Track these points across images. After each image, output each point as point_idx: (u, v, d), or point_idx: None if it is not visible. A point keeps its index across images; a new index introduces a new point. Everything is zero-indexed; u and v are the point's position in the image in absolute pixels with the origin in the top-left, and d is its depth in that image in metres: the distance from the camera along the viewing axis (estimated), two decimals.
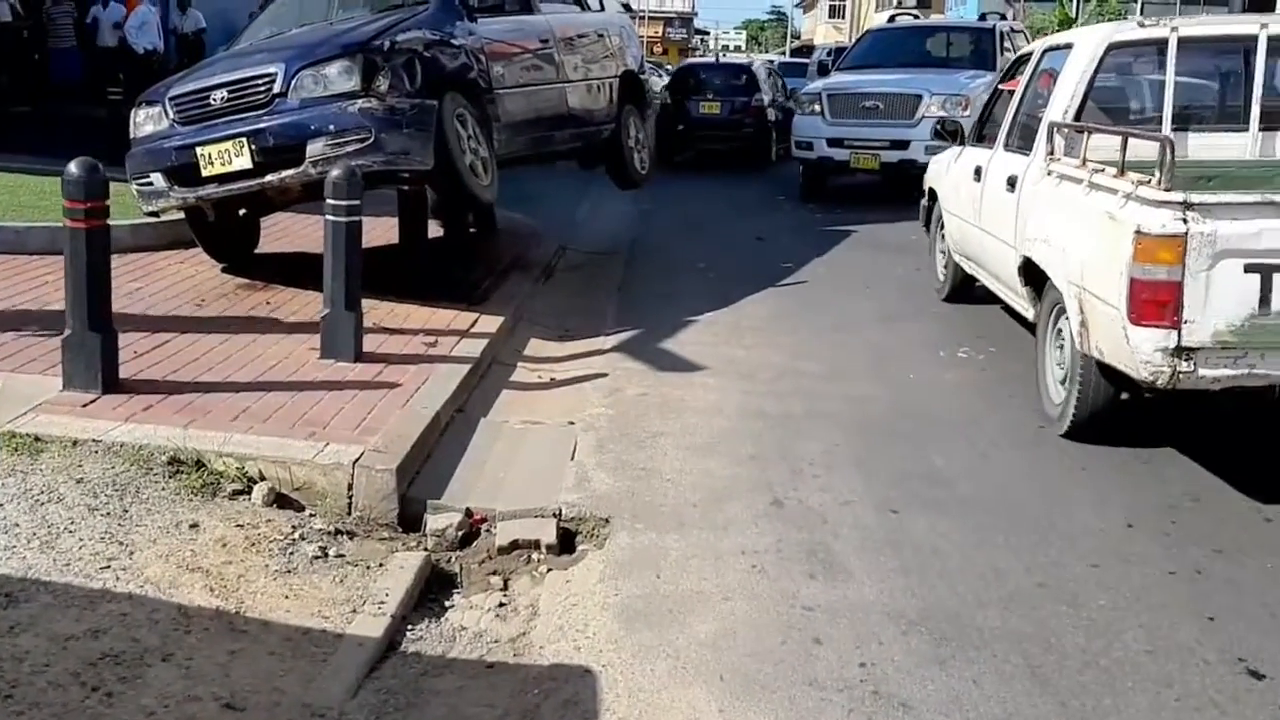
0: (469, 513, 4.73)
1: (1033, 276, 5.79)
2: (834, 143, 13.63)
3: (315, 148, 6.76)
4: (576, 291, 9.18)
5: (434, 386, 5.77)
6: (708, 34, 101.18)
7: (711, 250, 11.00)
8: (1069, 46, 6.20)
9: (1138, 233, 4.36)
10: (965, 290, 8.05)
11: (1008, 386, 6.37)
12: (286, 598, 3.92)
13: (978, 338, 7.47)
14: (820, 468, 5.16)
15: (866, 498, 4.83)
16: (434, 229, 9.66)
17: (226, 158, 6.93)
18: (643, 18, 69.60)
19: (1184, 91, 5.97)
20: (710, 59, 25.22)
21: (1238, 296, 4.26)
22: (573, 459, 5.26)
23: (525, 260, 9.66)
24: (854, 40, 22.98)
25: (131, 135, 7.56)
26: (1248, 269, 4.24)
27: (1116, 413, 5.17)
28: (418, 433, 5.12)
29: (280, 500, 4.63)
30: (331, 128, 6.78)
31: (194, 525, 4.26)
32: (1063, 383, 5.40)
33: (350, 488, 4.68)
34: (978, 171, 7.02)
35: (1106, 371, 4.91)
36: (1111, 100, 6.48)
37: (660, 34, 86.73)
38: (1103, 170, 4.96)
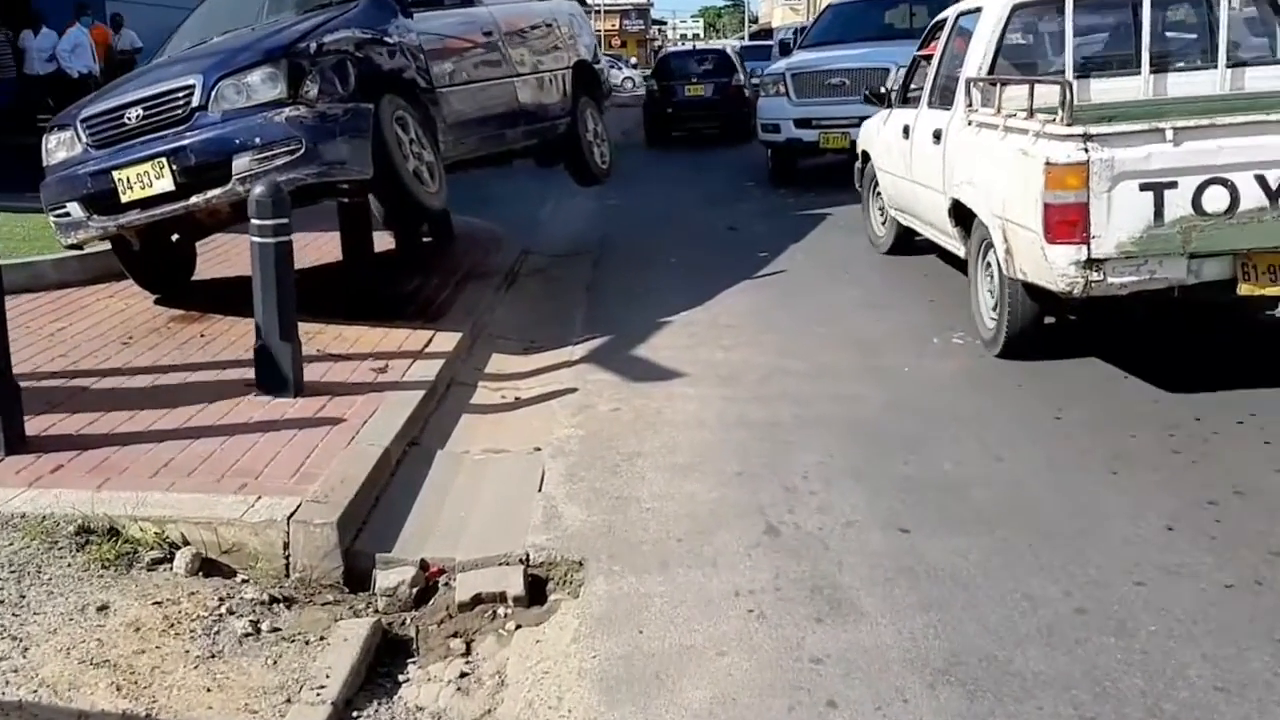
0: (424, 565, 4.16)
1: (961, 217, 6.51)
2: (801, 123, 13.11)
3: (241, 163, 6.18)
4: (542, 298, 8.61)
5: (383, 418, 5.20)
6: (665, 24, 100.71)
7: (683, 243, 10.46)
8: (978, 10, 6.88)
9: (1047, 163, 5.00)
10: (904, 243, 8.69)
11: (1012, 374, 5.85)
12: (209, 690, 3.35)
13: (970, 320, 6.95)
14: (816, 483, 4.63)
15: (871, 516, 4.29)
16: (386, 241, 9.09)
17: (146, 180, 6.34)
18: (599, 11, 69.01)
19: (1083, 43, 6.76)
20: (688, 47, 26.30)
21: (1135, 212, 4.90)
22: (540, 491, 4.71)
23: (485, 268, 9.09)
24: (814, 18, 22.42)
25: (45, 163, 6.96)
26: (1142, 187, 4.88)
27: (1042, 329, 5.91)
28: (364, 475, 4.56)
29: (207, 567, 4.06)
30: (258, 140, 6.19)
31: (103, 607, 3.69)
32: (994, 309, 6.07)
33: (286, 547, 4.11)
34: (906, 130, 7.68)
35: (1031, 292, 5.60)
36: (1020, 56, 7.16)
37: (618, 27, 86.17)
38: (1014, 115, 5.64)
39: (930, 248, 7.99)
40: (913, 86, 8.06)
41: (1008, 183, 5.54)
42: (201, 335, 6.69)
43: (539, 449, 5.20)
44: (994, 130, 5.85)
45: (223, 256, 8.82)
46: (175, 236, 7.66)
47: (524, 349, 7.13)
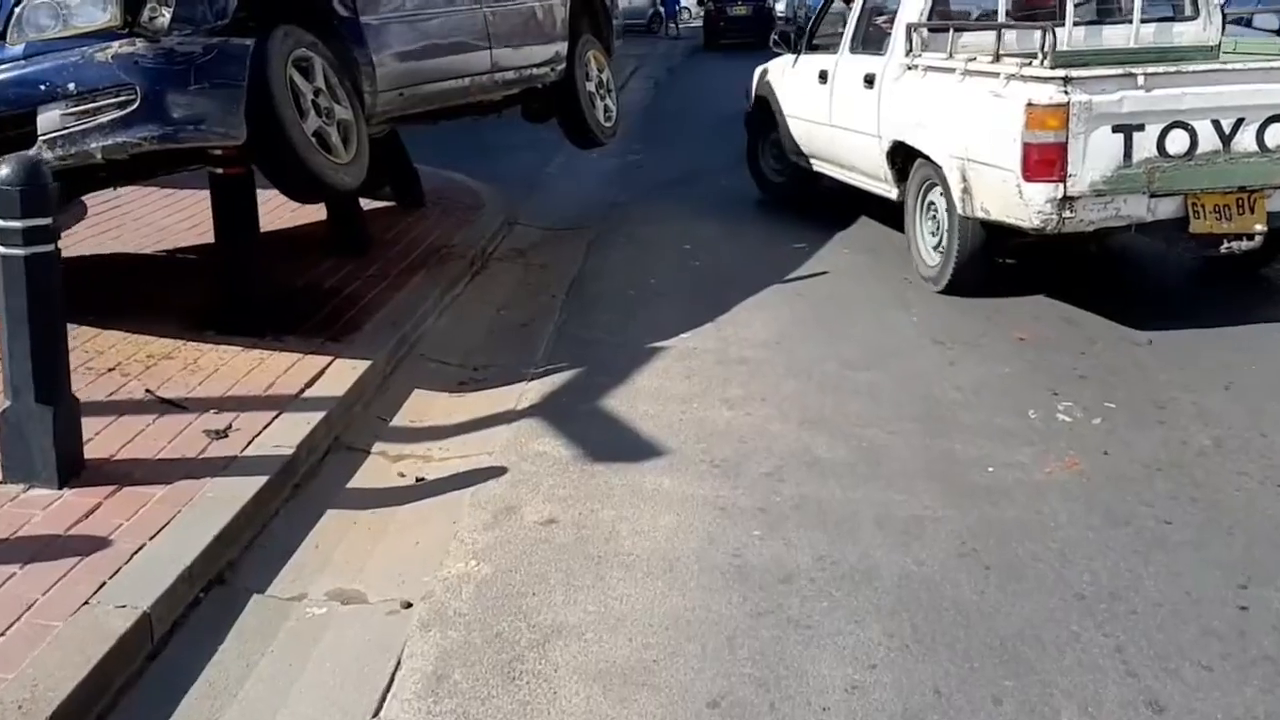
0: None
1: (900, 160, 6.59)
2: None
3: (49, 118, 4.35)
4: (508, 298, 6.68)
5: (172, 542, 3.35)
6: None
7: (706, 220, 8.50)
8: None
9: (1029, 104, 5.18)
10: (800, 187, 8.66)
11: (1168, 482, 3.90)
12: None
13: (1081, 378, 4.98)
14: None
15: None
16: (310, 213, 7.16)
17: None
18: None
19: None
20: None
21: (1108, 153, 5.18)
22: (378, 717, 2.83)
23: (449, 248, 7.18)
24: None
25: None
26: (1114, 129, 5.16)
27: (987, 267, 6.11)
28: (78, 677, 2.71)
29: None
30: (72, 86, 4.32)
31: None
32: (936, 248, 6.29)
33: None
34: (823, 75, 7.63)
35: (986, 230, 5.85)
36: (953, 2, 7.24)
37: None
38: (975, 59, 5.83)
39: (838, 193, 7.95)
40: (822, 32, 8.15)
41: (972, 124, 5.71)
42: None
43: (409, 604, 3.32)
44: (949, 74, 6.01)
45: (122, 218, 6.98)
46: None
47: (460, 383, 5.24)
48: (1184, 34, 6.89)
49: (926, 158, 6.19)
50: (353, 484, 4.15)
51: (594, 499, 3.96)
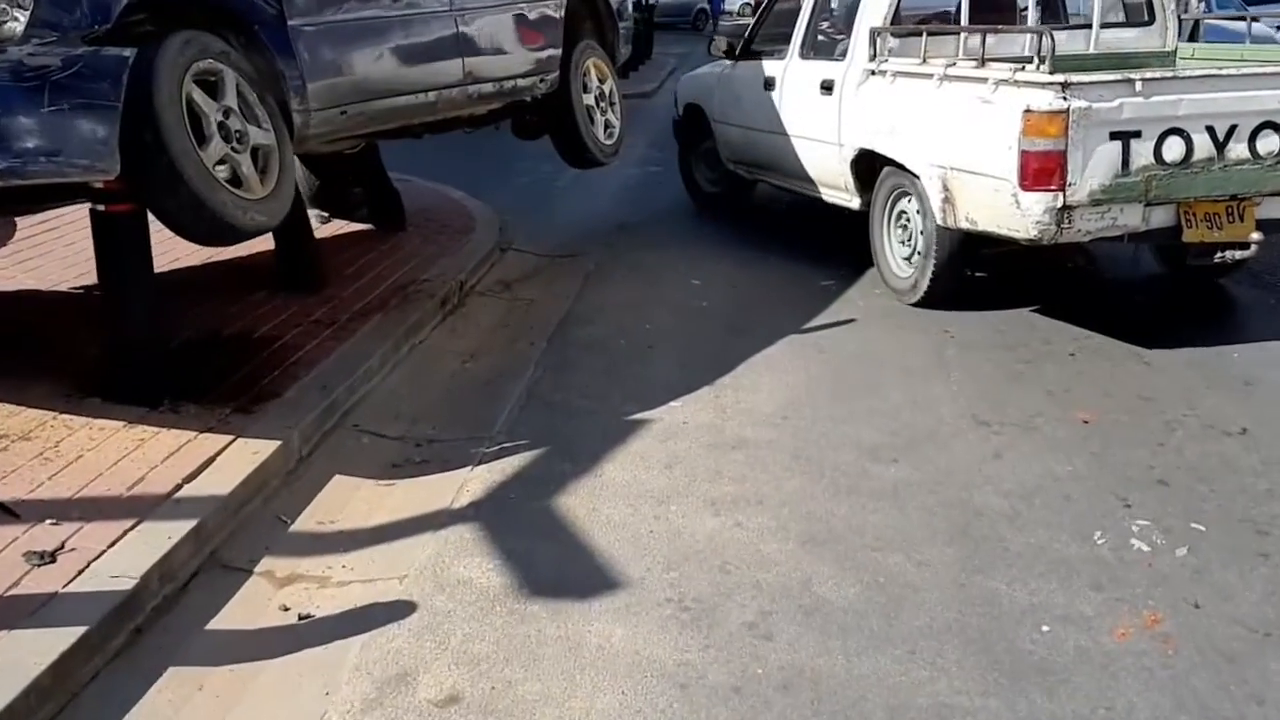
0: None
1: (865, 169, 6.34)
2: None
3: None
4: (479, 345, 5.75)
5: None
6: None
7: (723, 248, 7.57)
8: None
9: (1027, 110, 4.97)
10: (736, 197, 8.58)
11: None
12: None
13: (1160, 483, 3.98)
14: None
15: None
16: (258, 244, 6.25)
17: None
18: None
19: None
20: None
21: (1106, 160, 4.99)
22: None
23: (419, 283, 6.25)
24: None
25: None
26: (1112, 136, 4.98)
27: (962, 279, 5.99)
28: None
29: None
30: None
31: None
32: (908, 259, 6.10)
33: None
34: (769, 82, 7.33)
35: (966, 241, 5.69)
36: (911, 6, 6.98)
37: None
38: (954, 64, 5.62)
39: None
40: (763, 36, 7.89)
41: (956, 131, 5.48)
42: None
43: None
44: (925, 79, 5.74)
45: (47, 248, 6.13)
46: None
47: (395, 465, 4.31)
48: (1140, 40, 6.83)
49: (899, 166, 5.94)
50: (216, 623, 3.23)
51: (517, 661, 3.01)
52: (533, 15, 6.20)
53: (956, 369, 5.22)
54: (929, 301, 5.92)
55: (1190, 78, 5.22)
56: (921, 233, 5.87)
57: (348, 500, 4.00)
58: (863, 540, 3.64)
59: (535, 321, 6.14)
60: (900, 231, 6.13)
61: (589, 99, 6.79)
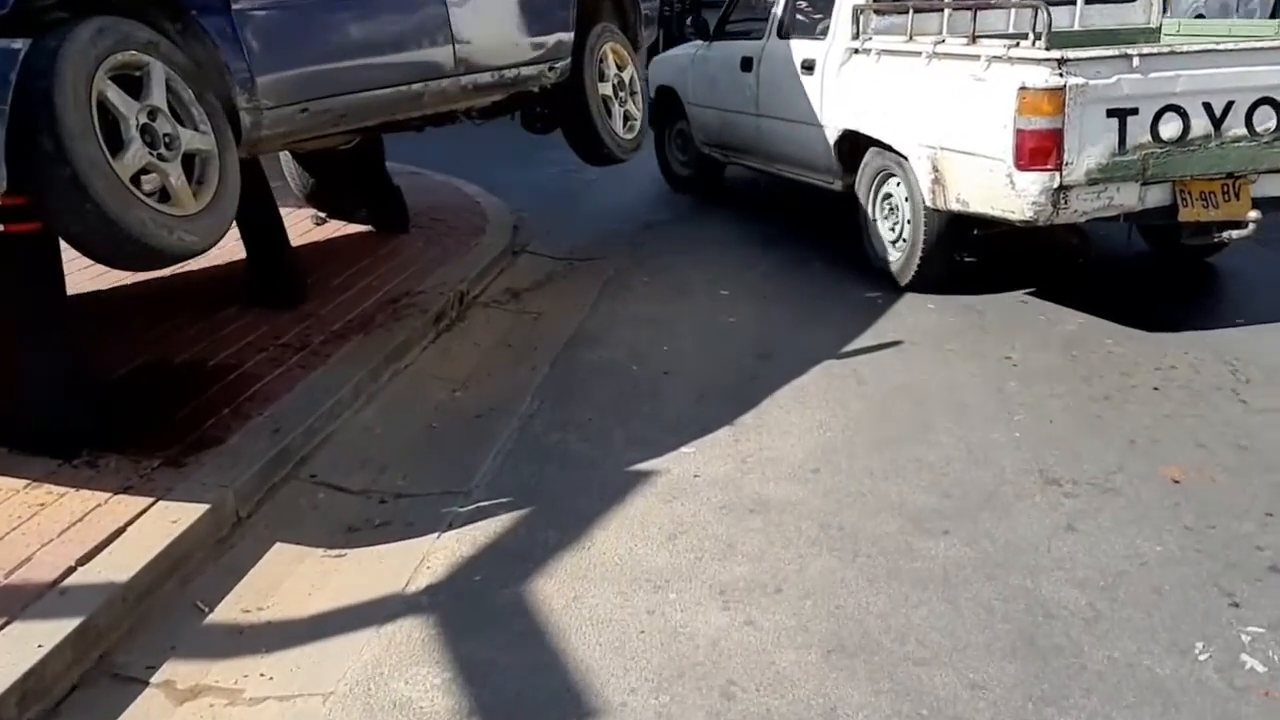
0: None
1: (849, 150, 6.19)
2: None
3: None
4: (472, 370, 5.08)
5: None
6: None
7: (759, 251, 6.88)
8: None
9: (1022, 88, 4.81)
10: (708, 179, 8.38)
11: None
12: None
13: (1273, 570, 3.23)
14: None
15: None
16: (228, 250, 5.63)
17: None
18: None
19: None
20: None
21: (1103, 138, 4.85)
22: None
23: (412, 295, 5.60)
24: None
25: None
26: (1109, 114, 4.84)
27: (953, 260, 5.78)
28: None
29: None
30: None
31: None
32: (895, 243, 5.95)
33: None
34: (746, 62, 7.14)
35: (952, 223, 5.54)
36: None
37: None
38: (944, 41, 5.40)
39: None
40: (735, 18, 7.73)
41: (946, 110, 5.32)
42: None
43: None
44: (912, 58, 5.58)
45: None
46: None
47: (350, 530, 3.65)
48: (1125, 15, 6.66)
49: (885, 147, 5.80)
50: None
51: None
52: None
53: (1020, 407, 4.46)
54: (919, 284, 5.80)
55: (1188, 53, 5.00)
56: (909, 216, 5.72)
57: (286, 577, 3.35)
58: (903, 649, 2.92)
59: (541, 340, 5.47)
60: (888, 214, 5.97)
61: (606, 88, 6.08)
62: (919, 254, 5.71)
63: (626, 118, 6.27)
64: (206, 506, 3.43)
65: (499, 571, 3.35)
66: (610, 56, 6.15)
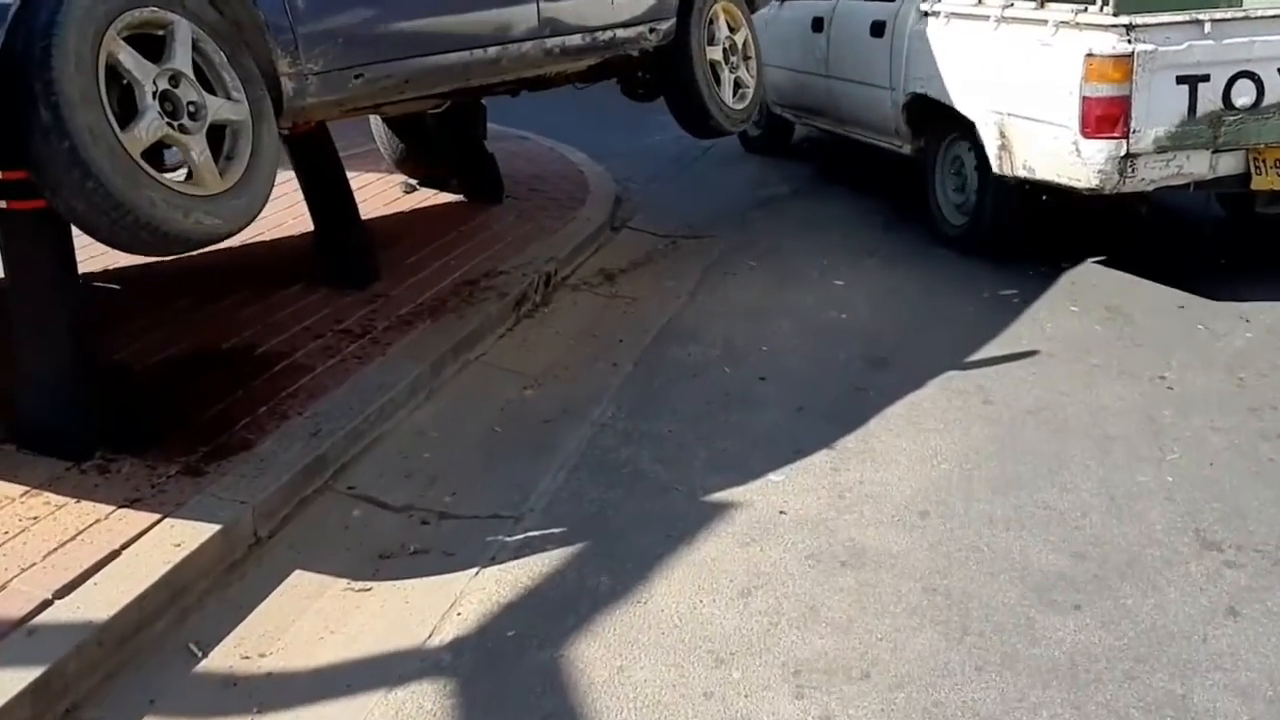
0: None
1: (917, 113, 6.04)
2: None
3: None
4: (551, 363, 4.61)
5: None
6: None
7: (883, 234, 6.31)
8: None
9: (1089, 55, 4.70)
10: (777, 139, 8.19)
11: None
12: None
13: None
14: None
15: None
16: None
17: None
18: None
19: None
20: None
21: (1172, 106, 4.74)
22: None
23: (493, 276, 5.15)
24: None
25: None
26: (1179, 80, 4.71)
27: (1022, 230, 5.68)
28: None
29: None
30: None
31: None
32: (960, 207, 5.89)
33: None
34: (817, 23, 7.03)
35: (1017, 190, 5.40)
36: None
37: None
38: (1012, 4, 5.23)
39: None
40: None
41: (1014, 76, 5.21)
42: None
43: None
44: (981, 21, 5.44)
45: None
46: None
47: (382, 558, 3.21)
48: None
49: (954, 112, 5.66)
50: None
51: None
52: None
53: (1175, 443, 3.78)
54: (982, 250, 5.70)
55: (1263, 18, 4.83)
56: (977, 181, 5.63)
57: (298, 615, 2.93)
58: None
59: (629, 331, 4.97)
60: (954, 178, 5.91)
61: (715, 53, 5.49)
62: (985, 221, 5.65)
63: (737, 85, 5.67)
64: (217, 528, 3.03)
65: (538, 625, 2.87)
66: (721, 17, 5.55)
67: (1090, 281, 5.39)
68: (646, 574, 3.08)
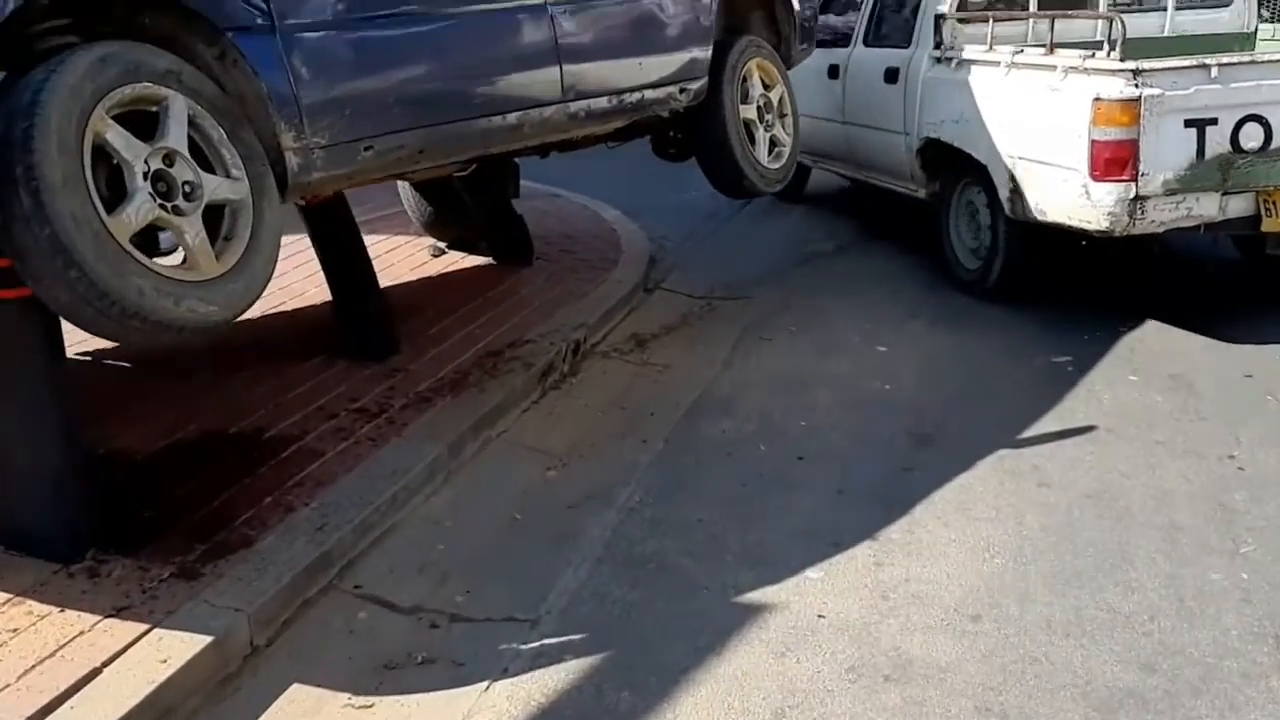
0: None
1: (931, 158, 6.14)
2: None
3: None
4: (575, 441, 4.38)
5: None
6: None
7: (930, 293, 6.05)
8: None
9: (1097, 99, 4.78)
10: (792, 185, 7.07)
11: None
12: None
13: None
14: None
15: None
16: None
17: None
18: None
19: None
20: None
21: (1180, 149, 4.79)
22: None
23: (518, 346, 4.95)
24: None
25: None
26: (1186, 124, 4.78)
27: (1036, 273, 5.73)
28: None
29: None
30: None
31: None
32: (975, 252, 5.92)
33: None
34: (833, 70, 7.13)
35: (1030, 233, 5.45)
36: None
37: None
38: (1021, 51, 5.42)
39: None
40: (824, 25, 7.40)
41: (1024, 120, 5.30)
42: None
43: None
44: (991, 67, 5.58)
45: None
46: None
47: (387, 668, 2.98)
48: (1217, 22, 6.58)
49: (967, 156, 5.75)
50: None
51: None
52: (669, 3, 4.73)
53: (1248, 533, 3.48)
54: (998, 296, 5.72)
55: (1269, 62, 4.90)
56: (990, 224, 5.70)
57: None
58: None
59: (660, 403, 4.73)
60: (969, 222, 5.96)
61: (749, 111, 5.27)
62: (999, 264, 5.68)
63: (773, 144, 5.45)
64: (209, 640, 2.82)
65: None
66: (756, 74, 5.34)
67: (1149, 345, 5.10)
68: (671, 690, 2.83)
